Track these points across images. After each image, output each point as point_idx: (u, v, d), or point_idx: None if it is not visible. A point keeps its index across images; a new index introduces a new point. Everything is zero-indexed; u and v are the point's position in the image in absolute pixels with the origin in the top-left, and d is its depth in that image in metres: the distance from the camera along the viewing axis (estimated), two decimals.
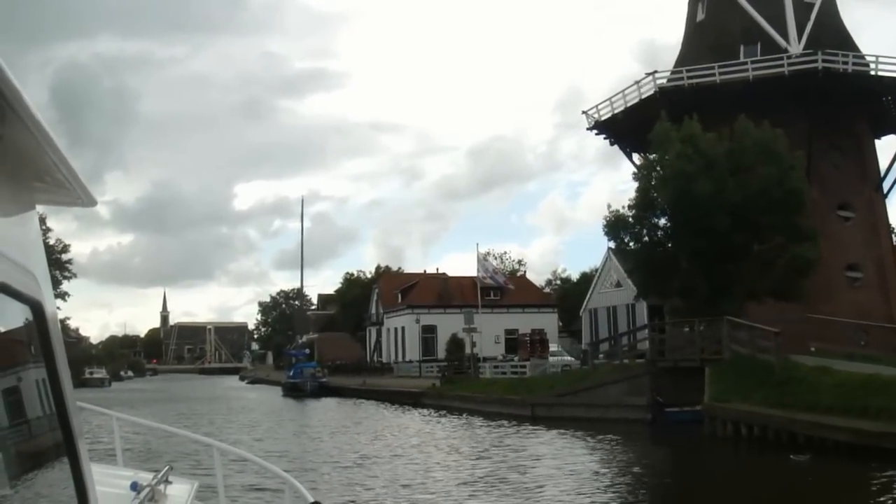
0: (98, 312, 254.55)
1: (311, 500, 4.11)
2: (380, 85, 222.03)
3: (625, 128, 41.45)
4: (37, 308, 2.16)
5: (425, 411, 36.58)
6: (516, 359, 49.04)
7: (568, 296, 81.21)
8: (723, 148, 29.24)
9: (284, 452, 21.57)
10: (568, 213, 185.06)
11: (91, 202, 2.64)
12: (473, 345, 46.64)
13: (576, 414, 28.12)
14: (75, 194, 2.50)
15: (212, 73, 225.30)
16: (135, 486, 3.64)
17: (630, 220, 30.98)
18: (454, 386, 39.85)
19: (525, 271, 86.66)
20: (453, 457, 20.78)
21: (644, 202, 30.99)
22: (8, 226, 2.06)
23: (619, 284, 50.58)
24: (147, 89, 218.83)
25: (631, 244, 31.36)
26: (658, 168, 30.62)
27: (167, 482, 4.05)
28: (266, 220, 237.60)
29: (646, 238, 31.18)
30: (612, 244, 32.24)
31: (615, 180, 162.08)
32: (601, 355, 40.91)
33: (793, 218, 28.53)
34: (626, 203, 31.45)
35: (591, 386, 29.32)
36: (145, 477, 3.98)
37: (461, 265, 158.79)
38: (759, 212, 28.28)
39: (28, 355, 2.16)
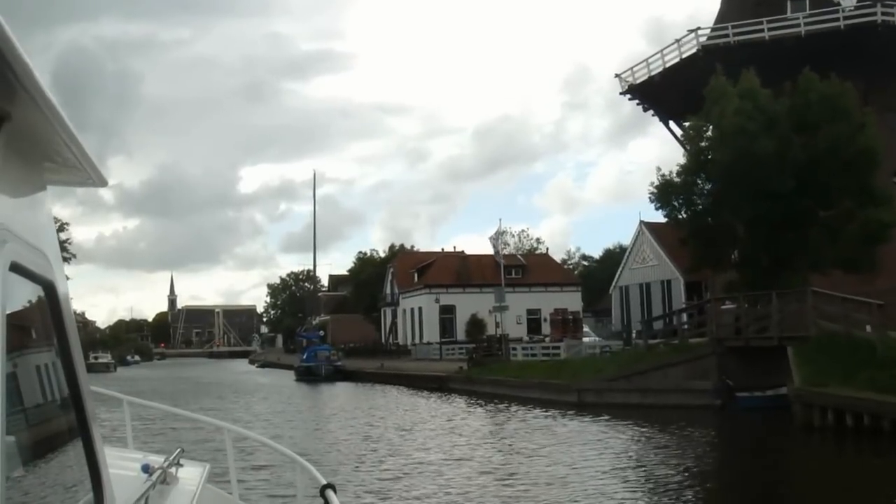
0: (105, 297, 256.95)
1: (324, 482, 3.84)
2: (386, 66, 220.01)
3: (662, 91, 39.06)
4: (49, 288, 2.15)
5: (454, 397, 33.64)
6: (547, 339, 46.32)
7: (589, 274, 78.67)
8: (784, 104, 26.60)
9: (308, 453, 17.90)
10: (576, 194, 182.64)
11: (102, 182, 2.62)
12: (497, 325, 44.35)
13: (629, 400, 25.47)
14: (86, 174, 2.47)
15: (216, 55, 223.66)
16: (146, 469, 3.52)
17: (679, 185, 28.45)
18: (484, 369, 36.94)
19: (547, 248, 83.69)
20: (517, 459, 16.49)
21: (695, 166, 28.43)
22: (19, 206, 2.02)
23: (653, 261, 48.07)
24: (151, 72, 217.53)
25: (682, 212, 28.64)
26: (712, 128, 27.98)
27: (178, 465, 3.99)
28: (272, 203, 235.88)
29: (698, 206, 28.52)
30: (661, 212, 29.53)
31: (622, 160, 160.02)
32: (633, 334, 38.38)
33: (866, 180, 25.94)
34: (675, 168, 29.03)
35: (646, 369, 26.49)
36: (156, 459, 3.89)
37: (472, 245, 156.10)
38: (827, 173, 25.77)
39: (41, 335, 2.13)
